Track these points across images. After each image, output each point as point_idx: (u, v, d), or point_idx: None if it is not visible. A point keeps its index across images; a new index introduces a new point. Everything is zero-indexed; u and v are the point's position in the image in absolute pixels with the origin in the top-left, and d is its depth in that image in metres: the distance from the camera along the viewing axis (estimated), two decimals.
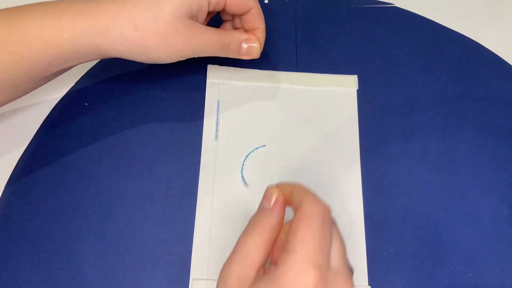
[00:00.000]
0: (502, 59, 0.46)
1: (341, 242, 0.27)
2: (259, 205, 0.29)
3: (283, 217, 0.28)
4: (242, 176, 0.39)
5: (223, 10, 0.39)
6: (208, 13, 0.39)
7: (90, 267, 0.37)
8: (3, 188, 0.39)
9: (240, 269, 0.26)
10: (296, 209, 0.27)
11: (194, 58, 0.44)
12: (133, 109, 0.42)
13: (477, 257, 0.38)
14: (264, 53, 0.45)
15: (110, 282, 0.36)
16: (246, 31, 0.40)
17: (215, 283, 0.36)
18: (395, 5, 0.49)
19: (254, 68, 0.44)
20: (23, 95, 0.38)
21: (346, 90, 0.44)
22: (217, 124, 0.42)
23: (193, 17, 0.36)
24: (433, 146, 0.42)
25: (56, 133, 0.41)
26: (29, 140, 0.41)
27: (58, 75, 0.38)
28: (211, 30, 0.37)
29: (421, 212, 0.40)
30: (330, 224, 0.26)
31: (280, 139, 0.42)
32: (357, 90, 0.44)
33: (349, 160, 0.41)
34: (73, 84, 0.43)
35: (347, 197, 0.40)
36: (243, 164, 0.39)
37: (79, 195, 0.39)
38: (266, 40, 0.45)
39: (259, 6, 0.39)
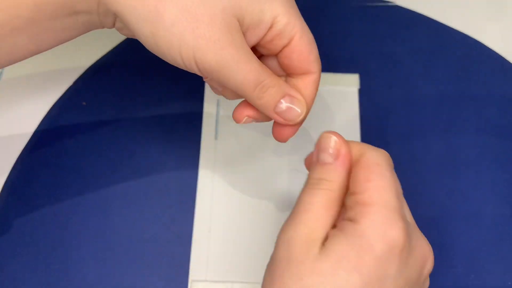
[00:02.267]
0: (505, 58, 0.46)
1: (405, 203, 0.25)
2: (317, 158, 0.25)
3: (350, 173, 0.25)
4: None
5: (275, 56, 0.28)
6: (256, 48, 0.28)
7: (88, 268, 0.37)
8: (1, 188, 0.39)
9: (309, 231, 0.22)
10: (356, 161, 0.24)
11: None
12: (132, 109, 0.42)
13: (479, 258, 0.38)
14: None
15: (109, 283, 0.36)
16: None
17: (215, 284, 0.36)
18: (396, 4, 0.48)
19: None
20: (9, 60, 0.30)
21: (347, 89, 0.44)
22: (216, 124, 0.42)
23: (241, 27, 0.25)
24: (435, 146, 0.42)
25: (54, 133, 0.41)
26: (27, 140, 0.41)
27: (52, 42, 0.30)
28: (254, 56, 0.26)
29: (422, 213, 0.39)
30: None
31: None
32: (359, 89, 0.44)
33: None
34: (71, 83, 0.43)
35: None
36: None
37: (78, 195, 0.39)
38: None
39: (319, 77, 0.30)
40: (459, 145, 0.42)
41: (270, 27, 0.26)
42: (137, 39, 0.27)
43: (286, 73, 0.29)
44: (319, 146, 0.25)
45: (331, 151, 0.24)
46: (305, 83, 0.28)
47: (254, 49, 0.28)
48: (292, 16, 0.26)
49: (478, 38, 0.47)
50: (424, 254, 0.24)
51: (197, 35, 0.24)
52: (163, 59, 0.27)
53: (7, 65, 0.30)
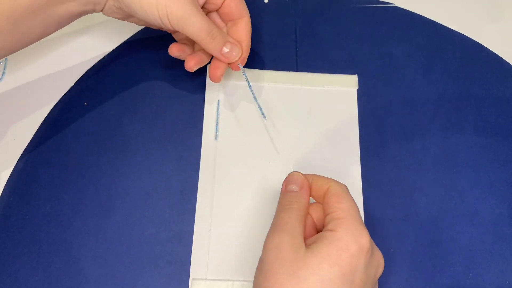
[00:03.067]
0: (502, 58, 0.46)
1: None
2: (286, 188, 0.33)
3: (309, 199, 0.33)
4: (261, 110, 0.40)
5: (218, 10, 0.39)
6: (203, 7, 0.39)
7: (89, 267, 0.37)
8: (2, 188, 0.39)
9: (292, 238, 0.29)
10: (323, 192, 0.32)
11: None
12: (133, 109, 0.42)
13: (477, 257, 0.38)
14: (264, 53, 0.45)
15: (110, 282, 0.36)
16: None
17: (215, 283, 0.36)
18: (395, 5, 0.49)
19: (254, 68, 0.44)
20: (27, 41, 0.35)
21: (346, 90, 0.44)
22: (217, 124, 0.42)
23: None
24: (433, 146, 0.42)
25: (55, 133, 0.41)
26: (29, 140, 0.41)
27: (63, 22, 0.36)
28: (205, 15, 0.36)
29: (421, 212, 0.40)
30: None
31: (280, 139, 0.42)
32: (357, 90, 0.44)
33: (349, 159, 0.41)
34: (72, 84, 0.43)
35: None
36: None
37: (79, 195, 0.39)
38: (266, 40, 0.46)
39: (250, 20, 0.40)
40: (457, 145, 0.42)
41: None
42: (127, 6, 0.35)
43: (227, 21, 0.40)
44: (288, 180, 0.34)
45: (297, 183, 0.33)
46: (242, 26, 0.39)
47: (204, 7, 0.39)
48: None
49: (477, 39, 0.47)
50: (379, 259, 0.30)
51: None
52: (145, 19, 0.36)
53: (19, 49, 0.36)
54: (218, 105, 0.43)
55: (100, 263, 0.37)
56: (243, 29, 0.39)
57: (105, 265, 0.37)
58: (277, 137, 0.42)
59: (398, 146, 0.42)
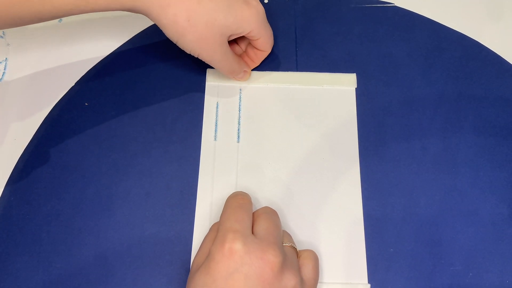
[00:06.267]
0: (502, 58, 0.46)
1: (268, 221, 0.34)
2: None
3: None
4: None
5: (249, 41, 0.43)
6: None
7: (90, 267, 0.37)
8: (3, 188, 0.39)
9: (198, 257, 0.33)
10: None
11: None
12: (133, 109, 0.42)
13: (477, 256, 0.38)
14: None
15: (110, 282, 0.36)
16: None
17: None
18: (395, 5, 0.49)
19: (253, 69, 0.44)
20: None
21: (344, 88, 0.44)
22: (216, 125, 0.42)
23: (229, 36, 0.39)
24: (433, 146, 0.42)
25: (56, 133, 0.41)
26: (29, 140, 0.41)
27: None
28: (231, 55, 0.41)
29: (421, 212, 0.40)
30: (247, 207, 0.34)
31: (279, 138, 0.42)
32: (358, 90, 0.44)
33: (348, 159, 0.41)
34: (73, 84, 0.43)
35: (346, 196, 0.40)
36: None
37: (79, 195, 0.39)
38: None
39: (269, 52, 0.44)
40: (457, 145, 0.42)
41: (248, 33, 0.40)
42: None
43: (253, 46, 0.44)
44: None
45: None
46: (261, 54, 0.44)
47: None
48: (261, 29, 0.41)
49: (477, 38, 0.47)
50: (261, 257, 0.31)
51: (203, 49, 0.38)
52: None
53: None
54: (217, 106, 0.43)
55: (100, 263, 0.37)
56: (259, 57, 0.44)
57: (105, 265, 0.37)
58: (276, 137, 0.42)
59: (398, 146, 0.42)
